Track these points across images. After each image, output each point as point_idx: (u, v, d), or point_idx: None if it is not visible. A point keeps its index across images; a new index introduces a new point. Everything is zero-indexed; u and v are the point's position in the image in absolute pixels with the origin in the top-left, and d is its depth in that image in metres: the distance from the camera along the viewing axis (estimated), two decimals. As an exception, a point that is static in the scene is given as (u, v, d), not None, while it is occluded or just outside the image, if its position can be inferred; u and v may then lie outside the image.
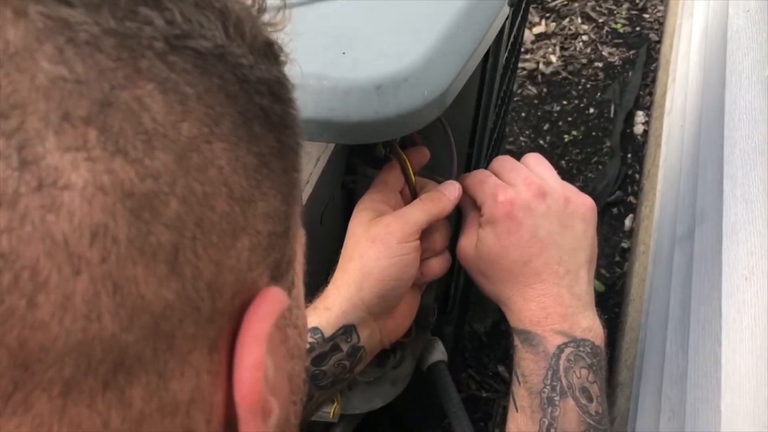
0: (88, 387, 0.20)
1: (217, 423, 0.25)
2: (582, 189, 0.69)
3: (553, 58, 2.33)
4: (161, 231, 0.21)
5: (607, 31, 2.42)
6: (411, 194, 0.70)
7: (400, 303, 0.68)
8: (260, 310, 0.25)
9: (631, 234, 1.87)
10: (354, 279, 0.64)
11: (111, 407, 0.21)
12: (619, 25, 2.43)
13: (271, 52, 0.27)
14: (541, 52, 2.35)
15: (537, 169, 0.69)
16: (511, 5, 0.72)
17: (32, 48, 0.19)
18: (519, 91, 2.23)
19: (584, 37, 2.40)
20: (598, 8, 2.49)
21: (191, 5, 0.23)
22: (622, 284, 1.75)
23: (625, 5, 2.49)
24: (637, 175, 2.00)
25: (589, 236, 0.67)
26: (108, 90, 0.20)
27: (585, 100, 2.22)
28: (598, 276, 1.77)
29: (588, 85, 2.25)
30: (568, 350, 0.62)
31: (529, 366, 0.63)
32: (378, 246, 0.63)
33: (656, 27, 2.41)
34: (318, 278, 0.69)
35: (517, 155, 0.71)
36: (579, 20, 2.45)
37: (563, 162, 2.06)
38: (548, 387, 0.62)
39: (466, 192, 0.69)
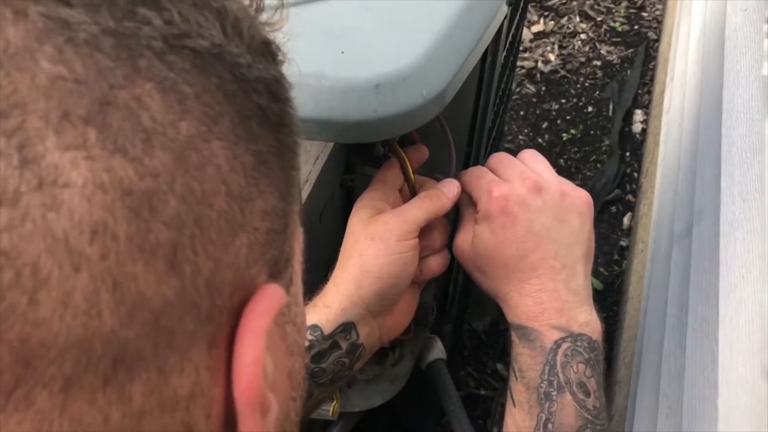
0: (88, 383, 0.21)
1: (217, 418, 0.25)
2: (580, 187, 0.69)
3: (552, 57, 2.33)
4: (160, 229, 0.21)
5: (605, 29, 2.42)
6: (410, 192, 0.71)
7: (399, 301, 0.68)
8: (259, 306, 0.25)
9: (629, 232, 1.87)
10: (353, 277, 0.64)
11: (111, 403, 0.21)
12: (617, 24, 2.43)
13: (268, 52, 0.27)
14: (539, 51, 2.35)
15: (533, 164, 0.69)
16: (509, 4, 0.72)
17: (32, 48, 0.20)
18: (517, 89, 2.23)
19: (583, 36, 2.40)
20: (596, 7, 2.49)
21: (189, 5, 0.23)
22: (620, 282, 1.76)
23: (624, 4, 2.49)
24: (635, 174, 2.00)
25: (585, 231, 0.67)
26: (107, 89, 0.21)
27: (583, 98, 2.22)
28: (596, 274, 1.77)
29: (586, 84, 2.26)
30: (565, 345, 0.62)
31: (526, 361, 0.63)
32: (377, 244, 0.64)
33: (654, 26, 2.41)
34: (317, 277, 0.69)
35: (516, 154, 0.71)
36: (577, 19, 2.45)
37: (562, 160, 2.06)
38: (545, 382, 0.62)
39: (462, 189, 0.69)
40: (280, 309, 0.27)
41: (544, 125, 2.15)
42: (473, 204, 0.69)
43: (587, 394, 0.62)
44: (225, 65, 0.24)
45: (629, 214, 1.92)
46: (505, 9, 0.71)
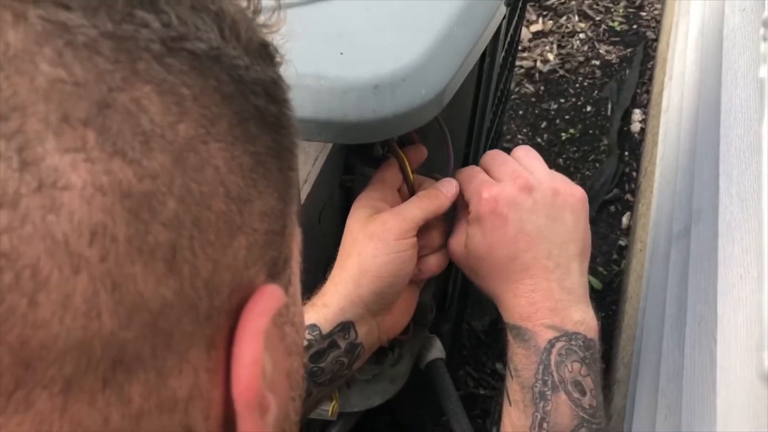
0: (88, 385, 0.21)
1: (216, 419, 0.25)
2: (579, 186, 0.69)
3: (551, 56, 2.33)
4: (159, 230, 0.21)
5: (604, 29, 2.42)
6: (409, 192, 0.71)
7: (398, 300, 0.68)
8: (257, 307, 0.26)
9: (628, 231, 1.87)
10: (351, 276, 0.64)
11: (111, 404, 0.21)
12: (616, 23, 2.43)
13: (266, 53, 0.27)
14: (538, 50, 2.35)
15: (526, 161, 0.68)
16: (507, 4, 0.73)
17: (32, 51, 0.20)
18: (516, 89, 2.23)
19: (581, 35, 2.40)
20: (595, 6, 2.49)
21: (187, 8, 0.23)
22: (619, 282, 1.76)
23: (622, 3, 2.49)
24: (634, 173, 2.01)
25: (580, 228, 0.66)
26: (106, 92, 0.21)
27: (582, 98, 2.22)
28: (595, 273, 1.77)
29: (585, 83, 2.26)
30: (559, 344, 0.62)
31: (521, 361, 0.63)
32: (375, 243, 0.64)
33: (653, 25, 2.41)
34: (316, 277, 0.69)
35: (513, 153, 0.71)
36: (576, 18, 2.45)
37: (561, 160, 2.06)
38: (540, 381, 0.62)
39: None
40: (278, 309, 0.27)
41: (543, 125, 2.15)
42: (466, 205, 0.69)
43: (583, 393, 0.62)
44: (223, 67, 0.24)
45: (628, 213, 1.92)
46: (503, 9, 0.71)
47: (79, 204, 0.20)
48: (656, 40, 2.33)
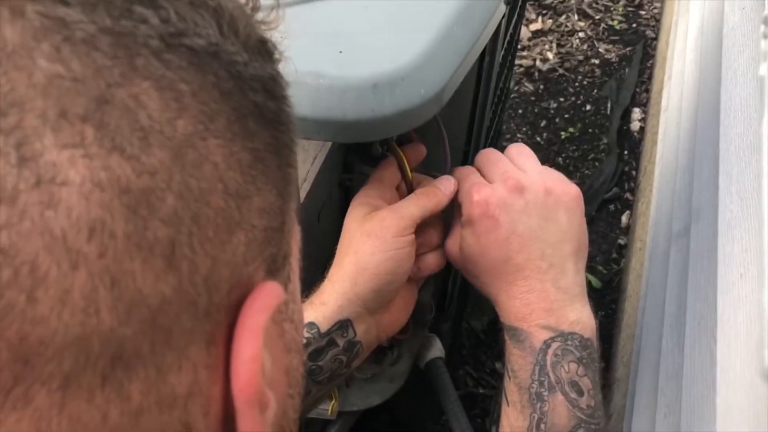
0: (86, 381, 0.21)
1: (215, 416, 0.25)
2: (579, 186, 0.68)
3: (550, 55, 2.33)
4: (158, 226, 0.21)
5: (603, 27, 2.42)
6: (407, 190, 0.71)
7: (396, 298, 0.68)
8: (256, 303, 0.26)
9: (627, 230, 1.87)
10: (349, 274, 0.64)
11: (110, 401, 0.21)
12: (615, 22, 2.43)
13: (264, 50, 0.27)
14: (537, 49, 2.35)
15: (519, 160, 0.68)
16: (507, 3, 0.73)
17: (30, 46, 0.20)
18: (516, 88, 2.23)
19: (581, 34, 2.40)
20: (594, 5, 2.49)
21: (186, 4, 0.23)
22: (618, 281, 1.76)
23: (622, 2, 2.49)
24: (633, 172, 2.01)
25: (574, 226, 0.66)
26: (104, 87, 0.21)
27: (582, 96, 2.22)
28: (595, 272, 1.77)
29: (585, 82, 2.26)
30: (555, 345, 0.62)
31: (517, 362, 0.63)
32: (373, 240, 0.64)
33: (653, 24, 2.41)
34: (315, 276, 0.69)
35: (512, 152, 0.71)
36: (575, 17, 2.45)
37: (560, 159, 2.06)
38: (536, 382, 0.62)
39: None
40: (277, 306, 0.27)
41: (543, 124, 2.15)
42: (460, 207, 0.69)
43: (580, 393, 0.61)
44: (221, 63, 0.24)
45: (627, 212, 1.92)
46: (503, 8, 0.71)
47: (78, 200, 0.20)
48: (656, 38, 2.33)
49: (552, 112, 2.18)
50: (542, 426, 0.61)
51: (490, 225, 0.64)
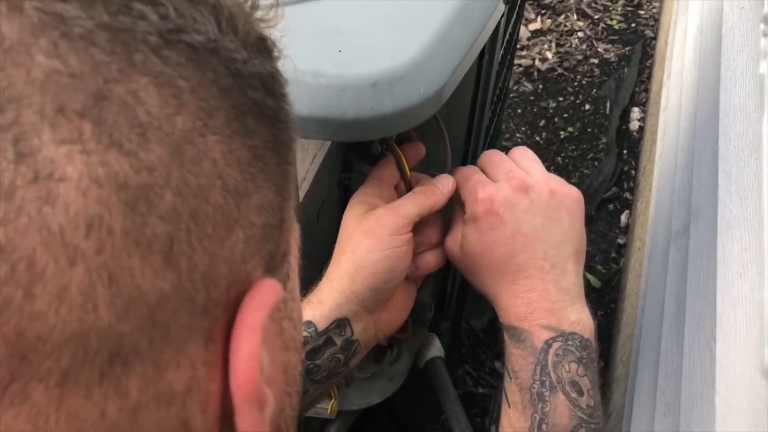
0: (84, 377, 0.21)
1: (213, 413, 0.25)
2: (578, 185, 0.69)
3: (549, 55, 2.33)
4: (156, 223, 0.21)
5: (602, 27, 2.42)
6: (406, 189, 0.71)
7: (394, 296, 0.68)
8: (255, 300, 0.25)
9: (626, 230, 1.87)
10: (347, 272, 0.64)
11: (107, 397, 0.21)
12: (614, 22, 2.43)
13: (264, 47, 0.27)
14: (536, 49, 2.35)
15: (522, 162, 0.68)
16: (506, 2, 0.72)
17: (27, 42, 0.20)
18: (515, 87, 2.23)
19: (580, 34, 2.40)
20: (593, 5, 2.49)
21: (184, 0, 0.23)
22: (618, 280, 1.76)
23: (621, 2, 2.49)
24: (632, 172, 2.01)
25: (575, 228, 0.66)
26: (102, 83, 0.21)
27: (581, 96, 2.22)
28: (594, 272, 1.77)
29: (584, 82, 2.26)
30: (556, 345, 0.62)
31: (518, 362, 0.63)
32: (370, 239, 0.64)
33: (651, 23, 2.41)
34: (314, 275, 0.69)
35: (512, 152, 0.71)
36: (574, 17, 2.45)
37: (559, 158, 2.06)
38: (537, 382, 0.62)
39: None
40: (276, 304, 0.27)
41: (542, 123, 2.15)
42: (462, 204, 0.69)
43: (580, 393, 0.62)
44: (220, 60, 0.24)
45: (627, 211, 1.92)
46: (502, 7, 0.71)
47: (75, 196, 0.20)
48: (655, 38, 2.33)
49: (551, 111, 2.18)
50: (544, 426, 0.61)
51: (494, 222, 0.64)
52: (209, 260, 0.23)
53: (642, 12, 2.46)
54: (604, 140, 2.09)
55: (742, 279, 0.66)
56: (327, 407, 0.78)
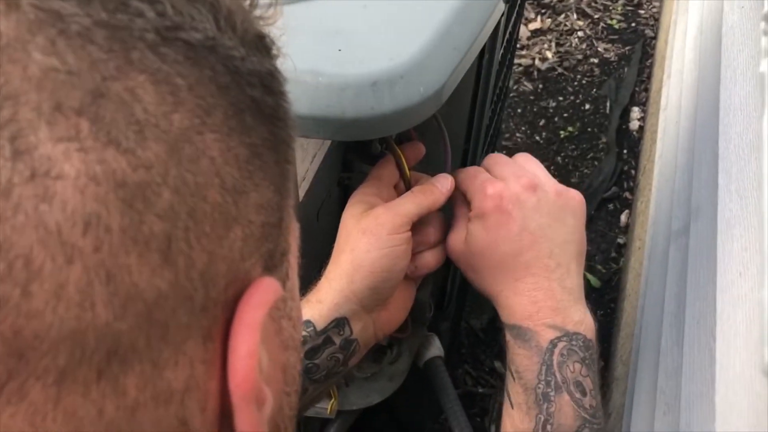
0: (82, 375, 0.20)
1: (212, 411, 0.25)
2: (578, 185, 0.70)
3: (549, 54, 2.33)
4: (154, 221, 0.21)
5: (602, 27, 2.42)
6: (406, 189, 0.71)
7: (393, 295, 0.68)
8: (253, 299, 0.25)
9: (626, 229, 1.87)
10: (345, 271, 0.64)
11: (105, 396, 0.21)
12: (614, 21, 2.43)
13: (262, 45, 0.27)
14: (536, 48, 2.35)
15: (527, 165, 0.69)
16: (506, 2, 0.72)
17: (24, 39, 0.19)
18: (515, 87, 2.23)
19: (580, 33, 2.40)
20: (593, 4, 2.49)
21: None
22: (617, 280, 1.76)
23: (621, 1, 2.49)
24: (632, 171, 2.00)
25: (578, 230, 0.67)
26: (100, 81, 0.20)
27: (581, 96, 2.22)
28: (594, 271, 1.77)
29: (584, 81, 2.26)
30: (561, 344, 0.62)
31: (522, 362, 0.63)
32: (368, 238, 0.63)
33: (651, 23, 2.41)
34: (314, 274, 0.69)
35: (513, 151, 0.71)
36: (574, 16, 2.45)
37: (559, 158, 2.06)
38: (543, 382, 0.62)
39: (457, 187, 0.69)
40: (275, 302, 0.27)
41: (542, 123, 2.15)
42: (467, 203, 0.69)
43: (584, 393, 0.62)
44: (218, 58, 0.24)
45: (627, 211, 1.92)
46: (502, 6, 0.71)
47: (73, 193, 0.19)
48: (655, 38, 2.33)
49: (551, 111, 2.18)
50: (548, 427, 0.61)
51: (502, 219, 0.64)
52: (207, 258, 0.23)
53: (642, 11, 2.46)
54: (604, 140, 2.09)
55: (742, 278, 0.66)
56: (327, 407, 0.78)
